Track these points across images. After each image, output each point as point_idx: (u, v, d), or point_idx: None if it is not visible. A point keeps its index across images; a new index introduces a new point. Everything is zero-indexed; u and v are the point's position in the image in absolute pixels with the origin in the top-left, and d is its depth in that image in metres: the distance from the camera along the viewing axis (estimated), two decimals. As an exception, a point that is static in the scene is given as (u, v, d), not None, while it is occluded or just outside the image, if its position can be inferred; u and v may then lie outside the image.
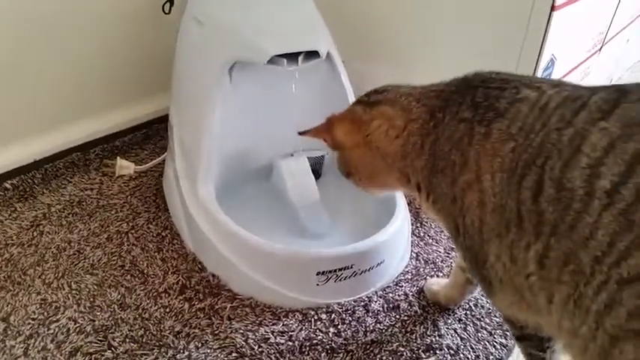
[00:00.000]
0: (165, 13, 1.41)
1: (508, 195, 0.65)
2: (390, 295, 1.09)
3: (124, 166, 1.42)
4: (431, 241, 1.23)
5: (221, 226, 1.09)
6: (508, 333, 1.02)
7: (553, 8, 1.19)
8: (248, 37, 1.07)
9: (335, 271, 1.03)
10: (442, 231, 1.25)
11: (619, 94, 0.60)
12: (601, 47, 1.70)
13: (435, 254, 1.20)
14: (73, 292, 1.07)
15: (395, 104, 0.83)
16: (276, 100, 1.22)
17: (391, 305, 1.07)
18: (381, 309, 1.06)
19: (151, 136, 1.58)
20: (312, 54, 1.10)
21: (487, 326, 1.03)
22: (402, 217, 1.13)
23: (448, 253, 1.20)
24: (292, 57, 1.08)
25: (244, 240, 1.06)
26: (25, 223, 1.24)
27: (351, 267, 1.04)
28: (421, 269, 1.16)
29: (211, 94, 1.12)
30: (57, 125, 1.41)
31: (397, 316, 1.05)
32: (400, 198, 1.16)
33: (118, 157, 1.43)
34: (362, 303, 1.07)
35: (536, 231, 0.62)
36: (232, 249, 1.08)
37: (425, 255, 1.19)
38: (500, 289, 0.72)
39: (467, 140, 0.71)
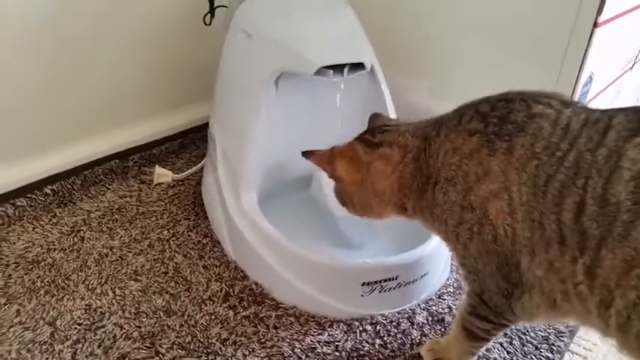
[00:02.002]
0: (206, 25, 1.43)
1: (542, 214, 0.69)
2: (434, 307, 1.09)
3: (162, 174, 1.43)
4: (470, 254, 1.23)
5: (265, 235, 1.09)
6: (554, 347, 1.01)
7: (595, 25, 1.19)
8: (296, 48, 1.08)
9: (380, 282, 1.03)
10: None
11: (639, 114, 0.66)
12: (633, 65, 1.71)
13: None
14: (118, 298, 1.08)
15: (393, 144, 0.87)
16: (318, 110, 1.24)
17: (436, 318, 1.07)
18: (425, 322, 1.06)
19: (186, 145, 1.60)
20: (357, 66, 1.11)
21: (533, 340, 1.02)
22: (444, 229, 1.13)
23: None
24: (337, 68, 1.09)
25: (289, 249, 1.06)
26: (65, 228, 1.25)
27: (396, 278, 1.04)
28: (462, 282, 1.15)
29: (257, 104, 1.13)
30: (96, 132, 1.42)
31: (442, 330, 1.05)
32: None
33: (157, 165, 1.44)
34: (406, 315, 1.07)
35: (580, 247, 0.65)
36: (276, 258, 1.08)
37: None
38: (528, 292, 0.76)
39: (486, 151, 0.74)
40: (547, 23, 1.26)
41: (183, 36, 1.49)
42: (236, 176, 1.18)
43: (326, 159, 0.96)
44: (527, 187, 0.70)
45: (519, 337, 1.03)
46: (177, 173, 1.45)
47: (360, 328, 1.03)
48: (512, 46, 1.34)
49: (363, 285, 1.03)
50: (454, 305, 1.10)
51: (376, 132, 0.91)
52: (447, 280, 1.16)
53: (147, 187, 1.41)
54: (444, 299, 1.11)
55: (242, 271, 1.15)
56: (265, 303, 1.08)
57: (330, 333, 1.02)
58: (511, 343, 1.02)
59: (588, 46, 1.22)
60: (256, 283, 1.12)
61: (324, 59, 1.06)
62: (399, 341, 1.01)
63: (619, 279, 0.62)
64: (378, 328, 1.04)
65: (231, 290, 1.10)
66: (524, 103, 0.75)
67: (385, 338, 1.02)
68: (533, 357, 0.99)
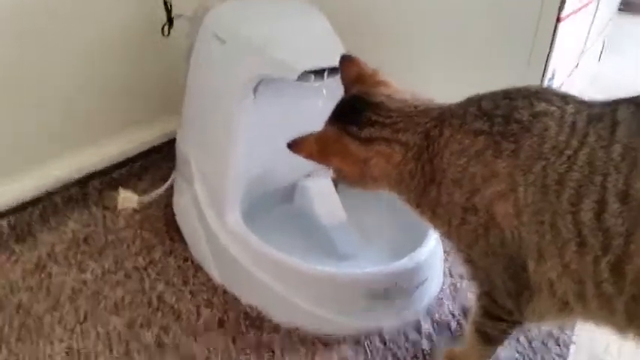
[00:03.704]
0: (164, 36, 1.35)
1: (554, 216, 0.68)
2: (437, 314, 1.07)
3: (127, 199, 1.33)
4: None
5: (258, 254, 1.03)
6: (560, 340, 1.01)
7: (559, 20, 1.22)
8: (276, 53, 1.03)
9: (384, 290, 1.00)
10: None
11: (637, 106, 0.67)
12: (578, 63, 1.78)
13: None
14: (102, 336, 0.98)
15: (391, 142, 0.82)
16: (297, 117, 1.18)
17: (442, 325, 1.04)
18: (432, 329, 1.03)
19: (148, 166, 1.49)
20: (336, 69, 1.07)
21: (537, 337, 1.02)
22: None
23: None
24: (317, 73, 1.05)
25: (287, 265, 1.01)
26: (28, 265, 1.13)
27: (400, 286, 1.01)
28: (458, 284, 1.14)
29: (236, 114, 1.08)
30: (50, 159, 1.30)
31: (449, 337, 1.02)
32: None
33: (121, 189, 1.34)
34: (412, 325, 1.03)
35: (603, 246, 0.64)
36: (273, 276, 1.02)
37: (457, 269, 1.18)
38: (537, 295, 0.75)
39: (491, 153, 0.73)
40: (511, 19, 1.27)
41: (139, 50, 1.40)
42: (217, 194, 1.11)
43: (316, 154, 0.89)
44: (534, 188, 0.69)
45: (524, 334, 1.02)
46: (142, 196, 1.36)
47: (369, 343, 0.99)
48: (477, 43, 1.34)
49: (367, 296, 0.99)
50: (455, 310, 1.08)
51: (363, 124, 0.84)
52: (443, 284, 1.14)
53: (111, 214, 1.31)
54: (444, 304, 1.09)
55: (232, 295, 1.08)
56: (264, 327, 1.01)
57: (340, 352, 0.97)
58: (518, 341, 1.01)
59: (553, 41, 1.24)
60: (250, 307, 1.05)
61: (305, 64, 1.02)
62: (411, 353, 0.98)
63: None
64: (387, 341, 1.00)
65: (225, 316, 1.03)
66: (527, 101, 0.74)
67: (396, 351, 0.98)
68: (544, 353, 0.99)
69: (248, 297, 1.06)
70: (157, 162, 1.51)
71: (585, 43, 1.81)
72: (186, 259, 1.17)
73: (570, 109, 0.71)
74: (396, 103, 0.84)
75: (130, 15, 1.36)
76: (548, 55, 1.26)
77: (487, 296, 0.83)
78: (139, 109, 1.46)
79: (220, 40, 1.10)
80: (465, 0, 1.32)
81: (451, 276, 1.16)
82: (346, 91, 0.93)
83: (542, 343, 1.01)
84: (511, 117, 0.73)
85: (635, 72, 2.43)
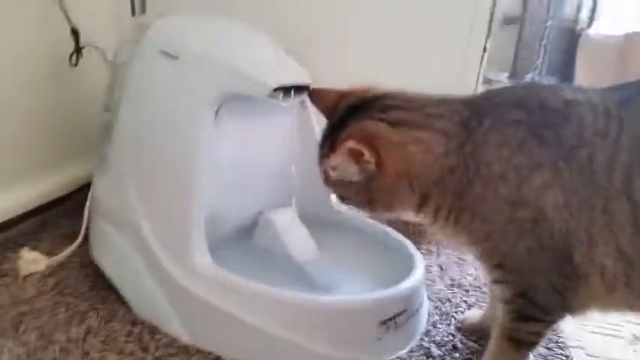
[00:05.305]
0: (73, 66, 1.14)
1: (607, 200, 0.68)
2: (437, 337, 0.99)
3: (32, 261, 1.06)
4: (430, 278, 1.17)
5: (246, 294, 0.87)
6: (559, 343, 0.99)
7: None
8: (243, 69, 0.92)
9: (394, 317, 0.90)
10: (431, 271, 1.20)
11: None
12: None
13: (441, 293, 1.13)
14: None
15: (427, 128, 0.75)
16: (257, 142, 1.07)
17: (448, 347, 0.96)
18: (442, 354, 0.94)
19: (46, 222, 1.22)
20: (301, 88, 0.99)
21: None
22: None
23: (451, 288, 1.15)
24: (285, 91, 0.95)
25: (288, 301, 0.87)
26: None
27: (406, 311, 0.92)
28: (442, 308, 1.08)
29: (197, 139, 0.92)
30: None
31: (461, 356, 0.95)
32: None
33: (25, 250, 1.06)
34: (421, 352, 0.94)
35: None
36: (269, 317, 0.86)
37: (434, 295, 1.12)
38: (584, 283, 0.73)
39: (535, 142, 0.71)
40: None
41: (43, 84, 1.15)
42: (179, 236, 0.92)
43: (367, 148, 0.73)
44: (580, 175, 0.69)
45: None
46: (51, 257, 1.09)
47: (385, 377, 0.87)
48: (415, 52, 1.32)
49: (380, 324, 0.88)
50: (451, 330, 1.01)
51: (390, 109, 0.75)
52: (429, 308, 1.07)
53: (13, 281, 1.02)
54: (440, 327, 1.02)
55: (210, 354, 0.88)
56: (263, 380, 0.84)
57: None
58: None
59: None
60: (238, 362, 0.87)
61: (275, 80, 0.91)
62: (434, 379, 0.88)
63: None
64: (403, 371, 0.89)
65: (212, 378, 0.83)
66: (551, 91, 0.75)
67: (418, 380, 0.87)
68: (554, 357, 0.96)
69: (234, 350, 0.88)
70: (53, 219, 1.24)
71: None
72: (135, 322, 0.94)
73: (595, 97, 0.72)
74: (409, 95, 0.79)
75: (32, 44, 1.12)
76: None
77: (521, 298, 0.78)
78: (36, 156, 1.20)
79: (171, 56, 0.95)
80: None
81: (430, 299, 1.10)
82: (329, 117, 0.85)
83: (547, 347, 0.98)
84: (546, 106, 0.73)
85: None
